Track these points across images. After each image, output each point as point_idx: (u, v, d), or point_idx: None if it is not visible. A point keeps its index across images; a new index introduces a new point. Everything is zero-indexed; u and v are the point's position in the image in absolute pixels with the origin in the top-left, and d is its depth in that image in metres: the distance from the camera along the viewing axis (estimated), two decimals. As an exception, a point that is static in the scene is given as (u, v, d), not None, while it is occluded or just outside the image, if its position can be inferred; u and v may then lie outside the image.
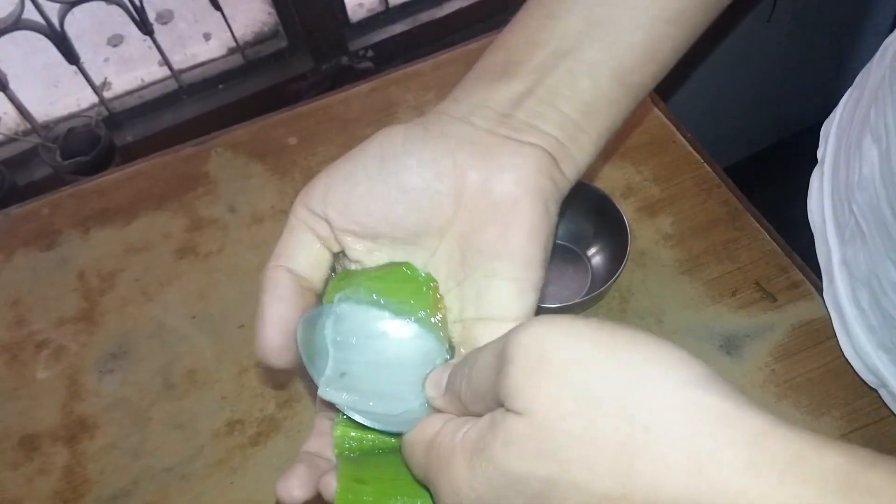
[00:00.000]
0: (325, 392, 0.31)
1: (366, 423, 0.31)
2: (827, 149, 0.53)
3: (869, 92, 0.47)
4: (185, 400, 0.55)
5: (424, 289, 0.33)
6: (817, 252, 0.52)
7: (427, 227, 0.32)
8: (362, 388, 0.31)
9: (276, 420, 0.53)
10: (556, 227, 0.33)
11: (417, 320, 0.32)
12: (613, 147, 0.64)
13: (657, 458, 0.22)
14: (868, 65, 0.52)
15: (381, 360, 0.32)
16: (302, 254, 0.34)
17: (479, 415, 0.26)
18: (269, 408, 0.54)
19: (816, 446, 0.22)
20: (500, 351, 0.25)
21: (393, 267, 0.33)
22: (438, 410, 0.30)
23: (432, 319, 0.32)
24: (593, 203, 0.57)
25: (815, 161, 0.56)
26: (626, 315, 0.55)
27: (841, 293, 0.48)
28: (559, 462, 0.23)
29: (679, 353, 0.25)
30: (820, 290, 0.54)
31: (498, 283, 0.31)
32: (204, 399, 0.55)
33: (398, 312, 0.32)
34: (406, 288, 0.33)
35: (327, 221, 0.33)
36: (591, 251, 0.58)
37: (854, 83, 0.54)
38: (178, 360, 0.57)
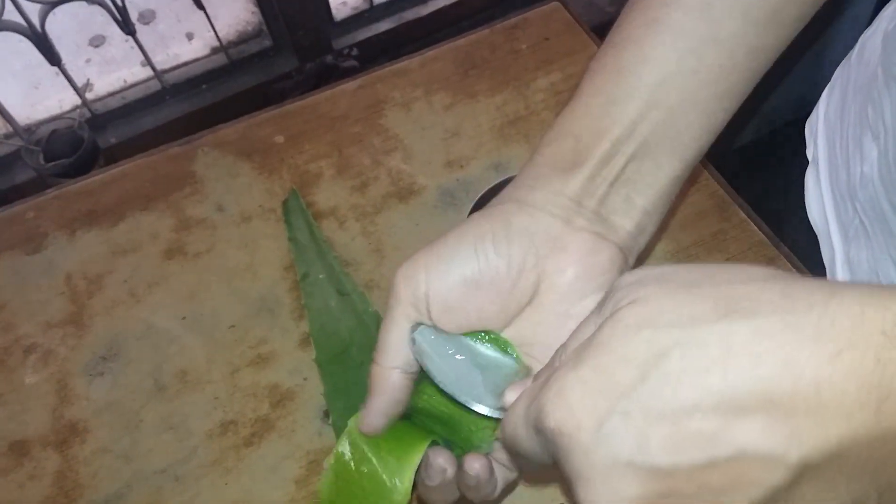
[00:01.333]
0: (420, 332, 0.33)
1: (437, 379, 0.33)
2: (818, 148, 0.53)
3: (857, 89, 0.48)
4: (176, 401, 0.54)
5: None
6: (822, 251, 0.53)
7: (505, 313, 0.35)
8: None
9: (270, 420, 0.53)
10: None
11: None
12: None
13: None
14: (846, 60, 0.52)
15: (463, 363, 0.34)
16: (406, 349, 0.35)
17: None
18: (262, 408, 0.53)
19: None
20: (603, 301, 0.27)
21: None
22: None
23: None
24: None
25: (799, 154, 0.56)
26: (617, 307, 0.56)
27: None
28: (674, 326, 0.23)
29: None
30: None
31: None
32: (196, 400, 0.54)
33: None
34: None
35: (427, 304, 0.34)
36: None
37: (833, 79, 0.55)
38: (169, 361, 0.56)
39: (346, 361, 0.54)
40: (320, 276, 0.59)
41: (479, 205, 0.46)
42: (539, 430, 0.26)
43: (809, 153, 0.54)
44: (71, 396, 0.55)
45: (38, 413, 0.55)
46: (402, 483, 0.36)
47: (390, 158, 0.68)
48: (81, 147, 0.85)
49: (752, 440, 0.22)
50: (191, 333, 0.58)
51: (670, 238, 0.59)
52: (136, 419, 0.54)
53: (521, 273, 0.33)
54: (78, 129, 0.86)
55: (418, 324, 0.34)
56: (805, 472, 0.22)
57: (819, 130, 0.54)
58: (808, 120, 0.56)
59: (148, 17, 1.02)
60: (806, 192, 0.54)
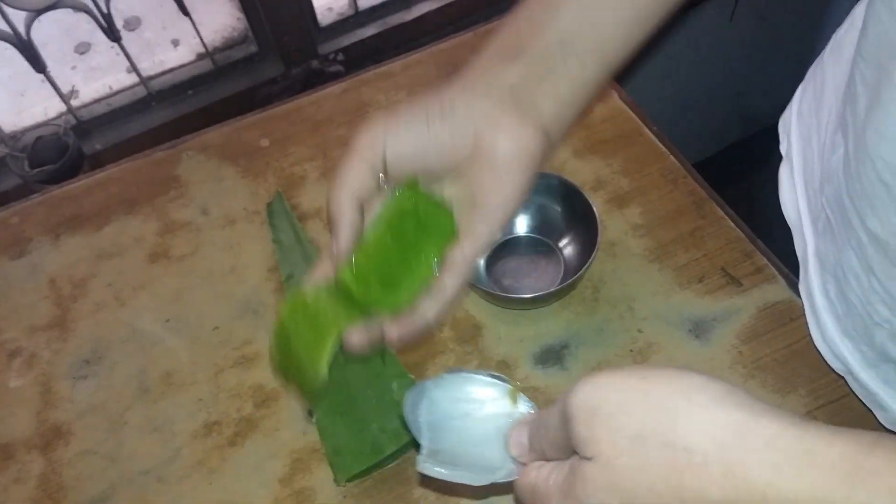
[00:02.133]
0: (422, 467, 0.38)
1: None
2: (791, 144, 0.54)
3: (835, 86, 0.49)
4: (160, 403, 0.55)
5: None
6: (795, 244, 0.54)
7: (448, 171, 0.42)
8: (454, 463, 0.39)
9: (254, 420, 0.53)
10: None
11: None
12: (583, 142, 0.65)
13: (699, 473, 0.28)
14: (819, 58, 0.53)
15: (465, 439, 0.40)
16: (358, 180, 0.41)
17: (562, 458, 0.34)
18: (246, 408, 0.54)
19: (825, 438, 0.27)
20: (563, 410, 0.32)
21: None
22: (523, 463, 0.37)
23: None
24: (564, 196, 0.58)
25: (779, 156, 0.57)
26: (598, 304, 0.56)
27: (813, 283, 0.50)
28: (626, 492, 0.29)
29: (697, 380, 0.30)
30: (784, 275, 0.55)
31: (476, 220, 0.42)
32: (180, 401, 0.55)
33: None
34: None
35: (383, 153, 0.41)
36: (563, 243, 0.59)
37: (806, 77, 0.55)
38: (153, 363, 0.57)
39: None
40: (304, 277, 0.60)
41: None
42: None
43: (783, 149, 0.55)
44: (55, 399, 0.55)
45: (23, 416, 0.55)
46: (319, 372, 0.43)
47: (373, 161, 0.68)
48: (66, 153, 0.85)
49: None
50: (175, 336, 0.58)
51: (650, 236, 0.59)
52: (120, 421, 0.54)
53: (461, 140, 0.41)
54: (63, 135, 0.86)
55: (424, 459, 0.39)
56: None
57: (792, 127, 0.55)
58: (781, 117, 0.57)
59: (133, 24, 1.02)
60: (780, 187, 0.55)
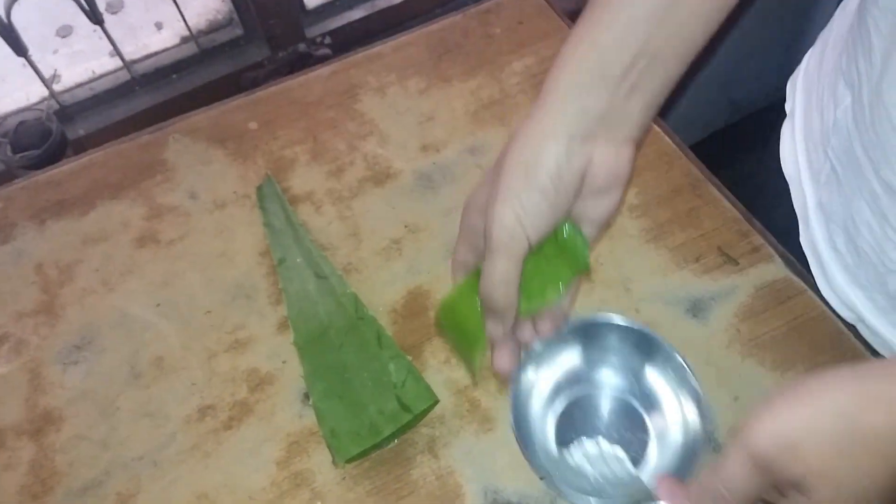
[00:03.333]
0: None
1: None
2: (795, 101, 0.55)
3: (835, 41, 0.49)
4: (153, 388, 0.54)
5: None
6: (793, 199, 0.54)
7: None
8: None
9: (249, 404, 0.52)
10: None
11: None
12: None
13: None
14: (829, 22, 0.53)
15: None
16: (514, 275, 0.41)
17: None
18: (241, 392, 0.53)
19: None
20: (752, 464, 0.34)
21: None
22: None
23: None
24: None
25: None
26: (595, 285, 0.56)
27: (817, 236, 0.50)
28: (855, 494, 0.33)
29: (839, 373, 0.34)
30: (780, 254, 0.55)
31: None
32: (173, 386, 0.54)
33: None
34: None
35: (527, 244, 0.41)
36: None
37: (817, 41, 0.56)
38: (144, 348, 0.56)
39: (325, 343, 0.53)
40: (297, 261, 0.59)
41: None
42: None
43: (788, 107, 0.56)
44: (45, 385, 0.54)
45: (12, 402, 0.54)
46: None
47: (366, 143, 0.67)
48: (50, 138, 0.83)
49: None
50: (166, 320, 0.57)
51: (646, 216, 0.59)
52: (112, 406, 0.53)
53: (575, 186, 0.40)
54: (46, 120, 0.85)
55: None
56: None
57: (798, 84, 0.55)
58: (790, 77, 0.58)
59: (116, 6, 1.00)
60: (781, 144, 0.55)
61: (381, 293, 0.57)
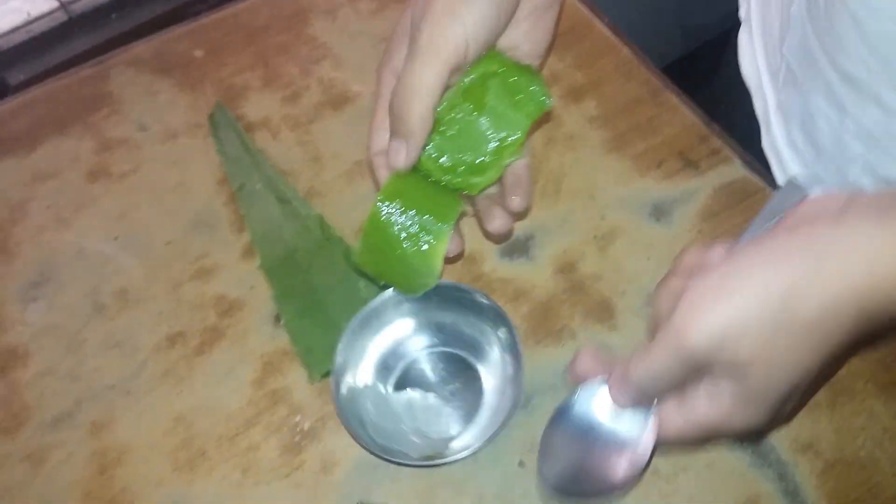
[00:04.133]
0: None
1: None
2: (750, 6, 0.55)
3: None
4: (118, 319, 0.53)
5: None
6: (754, 105, 0.55)
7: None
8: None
9: (220, 329, 0.52)
10: None
11: None
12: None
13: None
14: None
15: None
16: (440, 86, 0.41)
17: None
18: (210, 318, 0.52)
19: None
20: (686, 358, 0.33)
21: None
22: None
23: None
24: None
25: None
26: (560, 195, 0.56)
27: (777, 138, 0.51)
28: (788, 372, 0.33)
29: (760, 263, 0.33)
30: (739, 154, 0.56)
31: None
32: (139, 317, 0.53)
33: None
34: None
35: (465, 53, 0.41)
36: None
37: None
38: (106, 281, 0.54)
39: (292, 265, 0.53)
40: (257, 187, 0.58)
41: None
42: None
43: (742, 13, 0.56)
44: (5, 323, 0.53)
45: (-29, 342, 0.52)
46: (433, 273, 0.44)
47: (320, 67, 0.66)
48: (-15, 84, 0.79)
49: None
50: (125, 253, 0.56)
51: (607, 126, 0.59)
52: (77, 340, 0.52)
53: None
54: (-21, 65, 0.80)
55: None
56: None
57: None
58: None
59: (44, -59, 0.95)
60: (739, 51, 0.56)
61: (347, 215, 0.57)
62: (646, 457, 0.38)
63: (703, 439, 0.38)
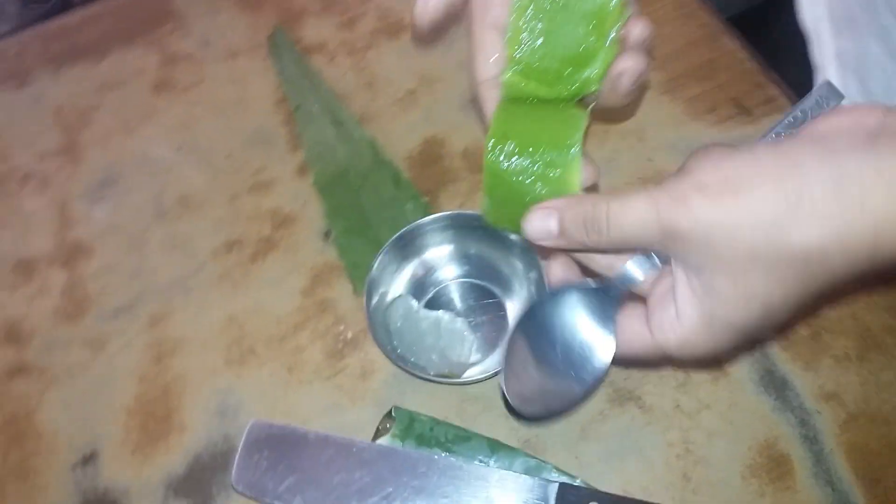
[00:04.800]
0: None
1: None
2: None
3: None
4: (179, 224, 0.55)
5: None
6: (811, 53, 0.54)
7: None
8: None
9: (273, 240, 0.54)
10: None
11: None
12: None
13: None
14: None
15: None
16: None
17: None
18: (265, 229, 0.55)
19: None
20: (660, 225, 0.31)
21: None
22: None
23: None
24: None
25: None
26: (608, 135, 0.57)
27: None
28: (753, 286, 0.30)
29: (770, 172, 0.30)
30: (793, 103, 0.56)
31: None
32: (199, 223, 0.55)
33: None
34: None
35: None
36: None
37: None
38: (168, 187, 0.57)
39: (344, 185, 0.55)
40: (314, 108, 0.59)
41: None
42: None
43: None
44: (73, 219, 0.56)
45: (41, 234, 0.55)
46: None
47: (378, -6, 0.66)
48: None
49: None
50: (187, 162, 0.59)
51: (662, 69, 0.59)
52: (140, 239, 0.55)
53: None
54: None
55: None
56: None
57: None
58: None
59: None
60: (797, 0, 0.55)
61: (398, 141, 0.58)
62: (606, 365, 0.36)
63: (660, 359, 0.35)
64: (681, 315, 0.33)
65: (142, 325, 0.51)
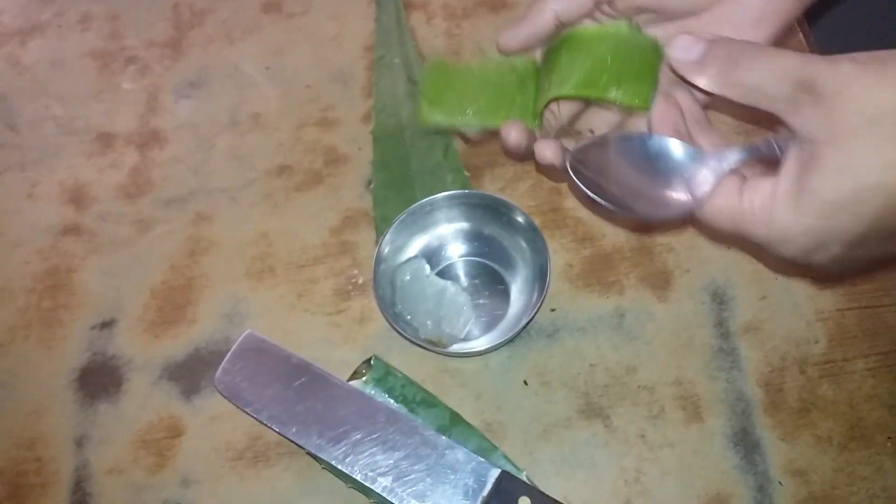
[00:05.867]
0: None
1: None
2: None
3: None
4: (246, 137, 0.60)
5: None
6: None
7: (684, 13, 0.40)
8: None
9: (322, 175, 0.58)
10: None
11: None
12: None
13: None
14: None
15: None
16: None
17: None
18: (317, 163, 0.58)
19: None
20: (801, 80, 0.31)
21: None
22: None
23: None
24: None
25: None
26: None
27: None
28: (860, 172, 0.30)
29: None
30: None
31: None
32: (263, 141, 0.60)
33: None
34: None
35: None
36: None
37: None
38: (247, 101, 0.62)
39: (398, 140, 0.58)
40: (395, 61, 0.62)
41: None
42: None
43: None
44: (159, 108, 0.62)
45: (128, 115, 0.61)
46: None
47: (492, -35, 0.67)
48: None
49: None
50: (270, 83, 0.63)
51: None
52: (209, 142, 0.60)
53: None
54: None
55: None
56: None
57: None
58: None
59: None
60: None
61: (464, 113, 0.60)
62: (686, 205, 0.37)
63: (734, 232, 0.36)
64: (776, 183, 0.33)
65: (187, 220, 0.56)
